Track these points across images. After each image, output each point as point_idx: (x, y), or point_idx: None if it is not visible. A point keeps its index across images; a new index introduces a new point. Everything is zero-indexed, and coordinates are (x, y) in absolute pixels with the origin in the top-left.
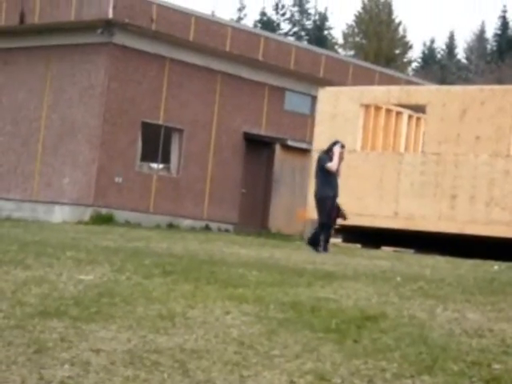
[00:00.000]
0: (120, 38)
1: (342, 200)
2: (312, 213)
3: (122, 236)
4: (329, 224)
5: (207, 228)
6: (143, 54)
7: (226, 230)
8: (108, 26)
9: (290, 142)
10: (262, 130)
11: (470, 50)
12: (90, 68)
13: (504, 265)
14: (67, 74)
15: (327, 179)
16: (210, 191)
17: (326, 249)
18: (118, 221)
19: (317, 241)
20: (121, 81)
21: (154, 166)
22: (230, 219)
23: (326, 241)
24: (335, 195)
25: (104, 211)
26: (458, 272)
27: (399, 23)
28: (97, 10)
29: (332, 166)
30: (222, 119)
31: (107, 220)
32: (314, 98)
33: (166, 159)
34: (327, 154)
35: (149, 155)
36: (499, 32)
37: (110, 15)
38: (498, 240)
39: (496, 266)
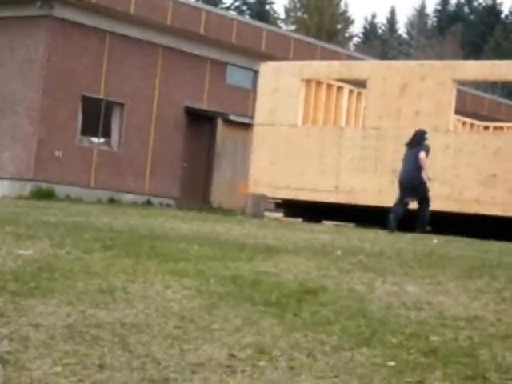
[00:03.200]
0: (60, 11)
1: (283, 175)
2: (254, 187)
3: (62, 211)
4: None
5: (149, 203)
6: (83, 27)
7: (168, 205)
8: None
9: (231, 117)
10: (204, 105)
11: (410, 26)
12: (29, 41)
13: (443, 238)
14: (6, 47)
15: (418, 165)
16: (151, 166)
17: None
18: (59, 195)
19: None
20: (61, 54)
21: (95, 140)
22: (172, 194)
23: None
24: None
25: (44, 186)
26: (398, 246)
27: None
28: None
29: (425, 162)
30: (164, 93)
31: (47, 195)
32: (255, 73)
33: (106, 133)
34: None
35: (89, 129)
36: (439, 7)
37: None
38: (438, 214)
39: (435, 240)
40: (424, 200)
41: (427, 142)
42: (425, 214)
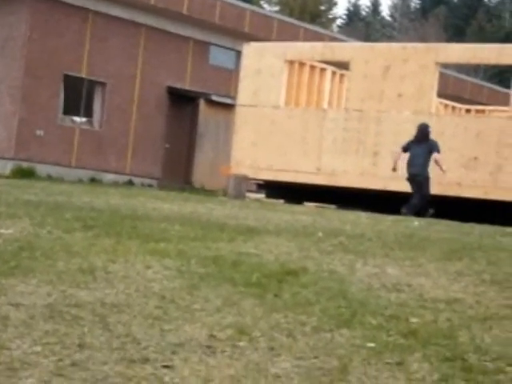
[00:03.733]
0: None
1: (266, 156)
2: (236, 168)
3: (43, 190)
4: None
5: (130, 183)
6: (66, 5)
7: (150, 185)
8: None
9: (214, 97)
10: (187, 85)
11: (394, 8)
12: (10, 19)
13: (424, 221)
14: None
15: (429, 162)
16: (133, 146)
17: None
18: (40, 175)
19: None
20: (42, 33)
21: (77, 119)
22: (154, 174)
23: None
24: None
25: (25, 165)
26: (379, 228)
27: None
28: None
29: (440, 159)
30: (146, 73)
31: (28, 174)
32: (238, 53)
33: (88, 113)
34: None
35: (71, 108)
36: None
37: None
38: None
39: (416, 222)
40: (423, 193)
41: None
42: (417, 203)
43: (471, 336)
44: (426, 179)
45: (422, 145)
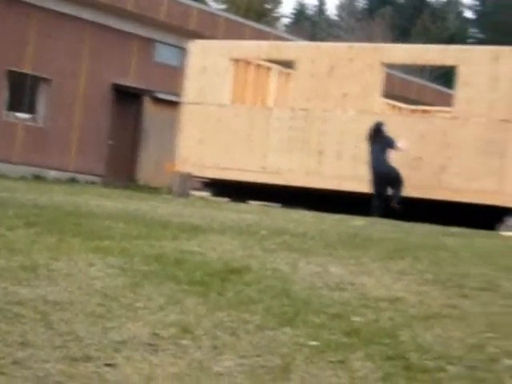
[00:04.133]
0: None
1: (211, 154)
2: (181, 166)
3: None
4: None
5: (74, 180)
6: (9, 1)
7: (93, 183)
8: None
9: (159, 95)
10: (132, 82)
11: (340, 8)
12: None
13: (368, 219)
14: None
15: (387, 156)
16: (77, 143)
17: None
18: None
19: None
20: None
21: (20, 115)
22: (98, 171)
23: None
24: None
25: None
26: (323, 226)
27: None
28: None
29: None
30: (91, 70)
31: None
32: (184, 51)
33: (32, 109)
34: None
35: (15, 104)
36: None
37: None
38: (364, 195)
39: (360, 221)
40: (398, 182)
41: (387, 134)
42: (400, 190)
43: (413, 335)
44: (396, 173)
45: (376, 143)
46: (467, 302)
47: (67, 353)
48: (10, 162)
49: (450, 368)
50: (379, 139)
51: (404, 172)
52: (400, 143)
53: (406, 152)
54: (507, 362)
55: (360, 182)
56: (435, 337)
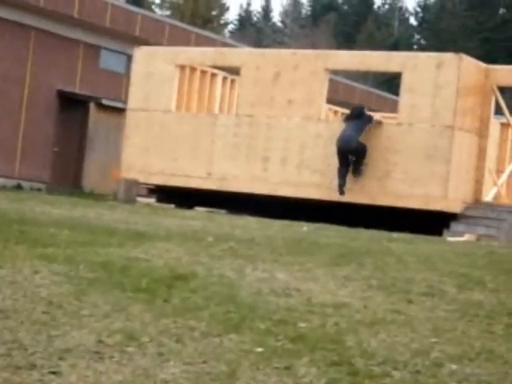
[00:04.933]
0: None
1: (156, 160)
2: (127, 172)
3: None
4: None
5: (19, 187)
6: None
7: (38, 190)
8: None
9: (104, 101)
10: (77, 88)
11: (285, 14)
12: None
13: (313, 226)
14: None
15: (360, 134)
16: (21, 149)
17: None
18: None
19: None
20: None
21: None
22: (43, 178)
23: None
24: None
25: None
26: (268, 232)
27: None
28: None
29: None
30: (35, 76)
31: None
32: (129, 57)
33: None
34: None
35: None
36: None
37: None
38: (308, 201)
39: (305, 227)
40: (359, 160)
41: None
42: (362, 163)
43: (358, 340)
44: (359, 144)
45: (353, 121)
46: (412, 308)
47: (11, 361)
48: None
49: (394, 373)
50: (358, 120)
51: (348, 178)
52: (376, 117)
53: (382, 124)
54: (451, 366)
55: (304, 188)
56: (380, 342)
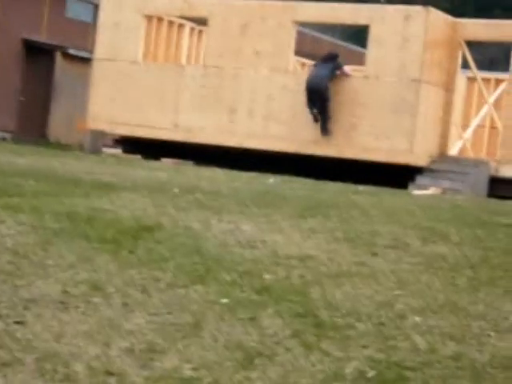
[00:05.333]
0: None
1: (123, 111)
2: (93, 123)
3: None
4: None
5: None
6: None
7: (4, 139)
8: None
9: (71, 51)
10: (43, 38)
11: None
12: None
13: (280, 178)
14: None
15: (331, 76)
16: None
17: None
18: None
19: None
20: None
21: None
22: (8, 127)
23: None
24: None
25: None
26: (235, 184)
27: None
28: None
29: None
30: (1, 25)
31: None
32: (96, 7)
33: None
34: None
35: None
36: None
37: None
38: (275, 154)
39: (271, 179)
40: (325, 109)
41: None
42: (327, 120)
43: (323, 292)
44: (327, 89)
45: (326, 63)
46: (376, 260)
47: None
48: None
49: (358, 325)
50: (330, 63)
51: (315, 130)
52: (346, 67)
53: (349, 76)
54: (415, 318)
55: (271, 140)
56: (345, 294)
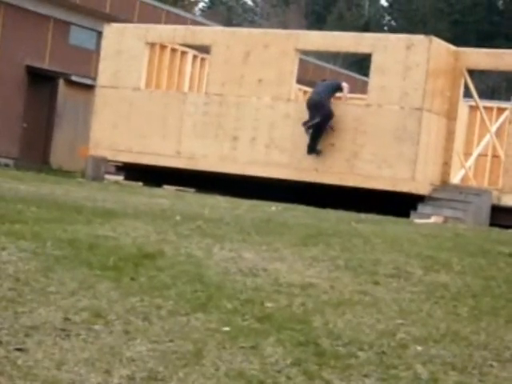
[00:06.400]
0: None
1: (125, 138)
2: (95, 149)
3: None
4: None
5: None
6: None
7: (6, 165)
8: None
9: (74, 78)
10: (46, 64)
11: None
12: None
13: (281, 206)
14: None
15: (330, 94)
16: None
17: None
18: None
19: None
20: None
21: None
22: (11, 154)
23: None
24: None
25: None
26: (237, 212)
27: None
28: None
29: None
30: (4, 52)
31: None
32: (99, 34)
33: None
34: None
35: None
36: None
37: None
38: (277, 181)
39: (273, 207)
40: (319, 127)
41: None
42: (316, 139)
43: (324, 321)
44: (324, 106)
45: (327, 83)
46: (378, 289)
47: None
48: None
49: (360, 354)
50: (330, 83)
51: (316, 158)
52: (344, 83)
53: (347, 91)
54: (417, 348)
55: (273, 167)
56: (346, 323)
